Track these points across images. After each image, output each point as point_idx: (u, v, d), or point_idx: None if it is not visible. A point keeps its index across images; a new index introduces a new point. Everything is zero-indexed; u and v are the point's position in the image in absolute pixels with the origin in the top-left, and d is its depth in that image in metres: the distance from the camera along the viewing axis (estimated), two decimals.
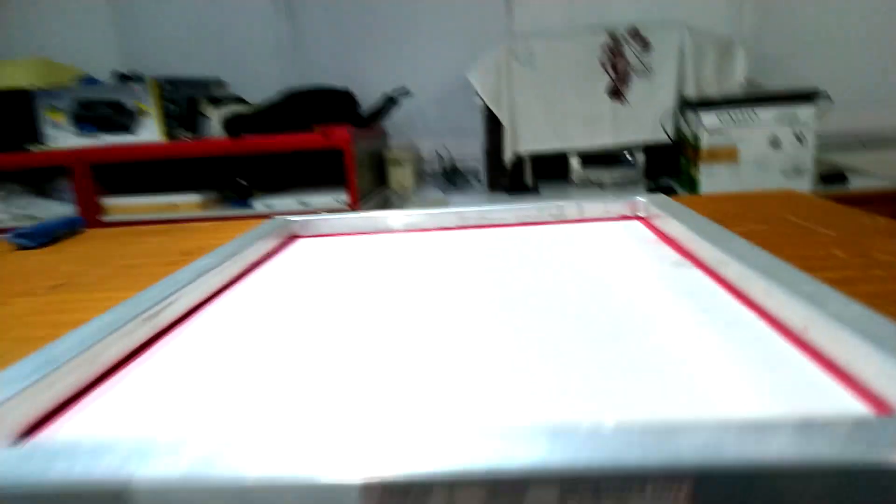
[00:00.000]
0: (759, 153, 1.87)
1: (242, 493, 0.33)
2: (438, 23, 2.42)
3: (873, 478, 0.30)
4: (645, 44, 2.08)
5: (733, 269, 0.61)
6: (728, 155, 1.88)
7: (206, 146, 2.18)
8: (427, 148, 2.51)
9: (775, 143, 1.85)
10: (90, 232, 1.25)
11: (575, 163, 2.25)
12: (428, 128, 2.49)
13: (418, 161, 2.55)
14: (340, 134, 2.08)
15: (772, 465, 0.31)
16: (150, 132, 2.27)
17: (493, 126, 2.24)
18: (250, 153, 2.12)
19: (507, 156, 2.23)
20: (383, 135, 2.52)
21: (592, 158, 2.25)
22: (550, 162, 2.30)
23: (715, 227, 0.74)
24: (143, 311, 0.56)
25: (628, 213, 0.90)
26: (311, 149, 2.10)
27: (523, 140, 2.19)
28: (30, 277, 0.91)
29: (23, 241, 1.09)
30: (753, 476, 0.31)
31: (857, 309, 0.47)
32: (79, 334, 0.52)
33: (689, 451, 0.32)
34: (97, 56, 2.61)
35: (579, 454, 0.32)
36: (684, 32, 2.07)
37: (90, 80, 2.40)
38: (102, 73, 2.50)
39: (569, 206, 0.90)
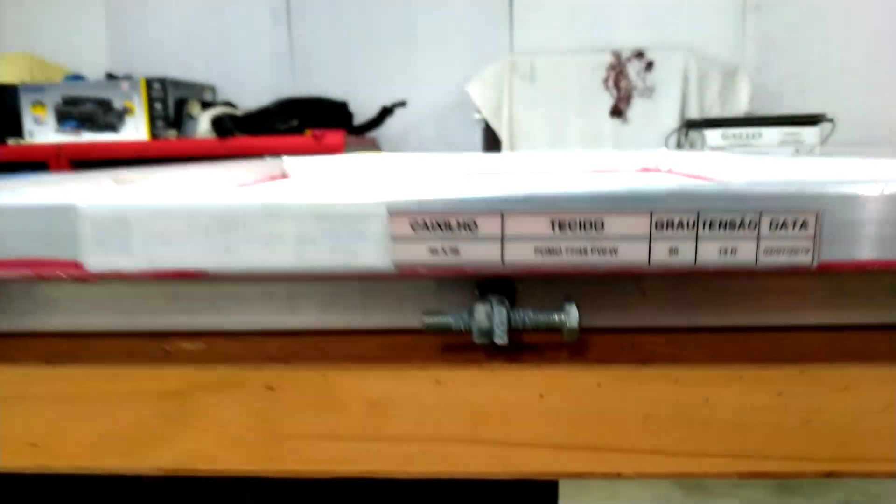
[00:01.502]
0: None
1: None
2: (439, 36, 2.41)
3: None
4: (649, 64, 2.07)
5: None
6: None
7: (191, 146, 2.10)
8: None
9: None
10: None
11: None
12: (423, 143, 2.45)
13: None
14: (333, 138, 2.02)
15: None
16: (135, 131, 2.19)
17: (491, 142, 2.20)
18: (238, 154, 2.05)
19: None
20: (376, 147, 2.47)
21: None
22: None
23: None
24: (116, 175, 0.48)
25: (649, 167, 0.83)
26: (302, 152, 2.04)
27: None
28: None
29: None
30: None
31: None
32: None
33: (814, 185, 0.24)
34: (89, 57, 2.56)
35: (671, 185, 0.24)
36: (689, 57, 2.06)
37: (76, 78, 2.34)
38: (95, 74, 2.44)
39: (583, 156, 0.83)
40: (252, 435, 0.27)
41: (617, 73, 2.08)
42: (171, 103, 2.20)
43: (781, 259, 0.24)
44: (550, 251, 0.24)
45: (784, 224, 0.24)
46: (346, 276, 0.26)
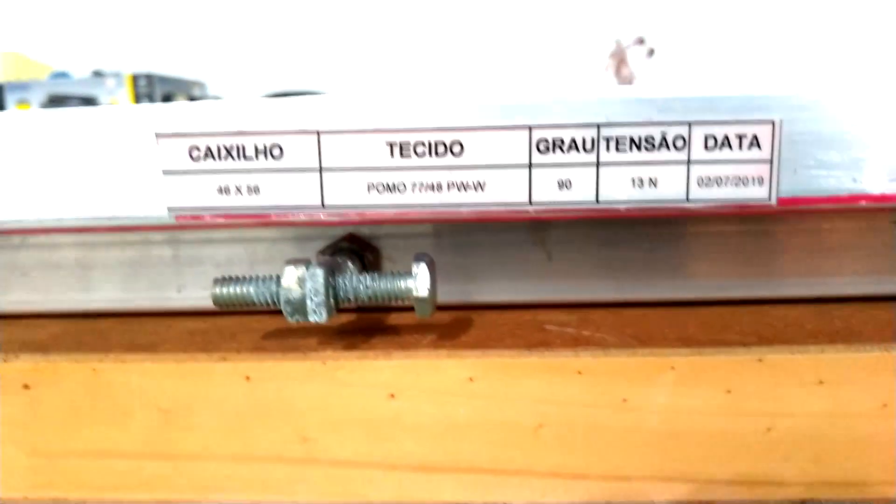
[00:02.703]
0: None
1: None
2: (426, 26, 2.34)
3: None
4: (650, 52, 1.99)
5: None
6: None
7: None
8: None
9: None
10: None
11: None
12: None
13: None
14: None
15: None
16: None
17: None
18: None
19: None
20: None
21: None
22: None
23: None
24: None
25: None
26: None
27: None
28: None
29: None
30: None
31: None
32: None
33: (769, 85, 0.16)
34: (77, 54, 2.51)
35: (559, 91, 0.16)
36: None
37: (62, 75, 2.29)
38: (83, 71, 2.40)
39: None
40: (10, 451, 0.20)
41: (618, 61, 2.00)
42: (159, 99, 2.15)
43: (724, 193, 0.16)
44: (390, 187, 0.17)
45: (726, 141, 0.16)
46: (101, 229, 0.19)
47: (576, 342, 0.18)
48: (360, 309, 0.22)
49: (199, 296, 0.22)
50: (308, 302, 0.17)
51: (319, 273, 0.17)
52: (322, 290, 0.17)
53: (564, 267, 0.21)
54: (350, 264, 0.19)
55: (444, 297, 0.21)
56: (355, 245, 0.20)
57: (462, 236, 0.21)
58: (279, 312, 0.20)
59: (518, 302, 0.21)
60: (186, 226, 0.18)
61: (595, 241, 0.21)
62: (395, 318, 0.21)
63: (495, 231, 0.21)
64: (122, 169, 0.17)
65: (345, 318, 0.21)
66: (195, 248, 0.21)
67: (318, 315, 0.17)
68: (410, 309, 0.21)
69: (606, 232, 0.20)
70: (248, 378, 0.18)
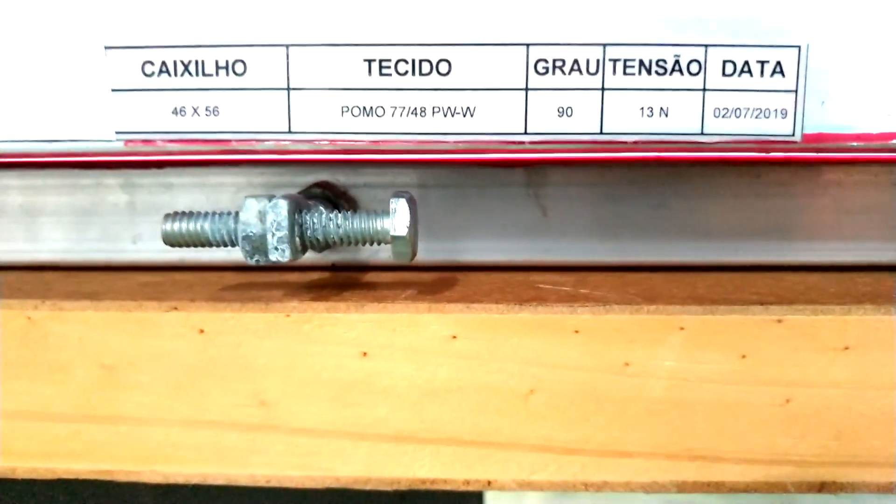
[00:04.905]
0: None
1: None
2: None
3: None
4: None
5: None
6: None
7: None
8: None
9: None
10: None
11: None
12: None
13: None
14: None
15: None
16: None
17: None
18: None
19: None
20: None
21: None
22: None
23: None
24: None
25: None
26: None
27: None
28: None
29: None
30: None
31: None
32: None
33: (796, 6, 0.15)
34: None
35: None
36: None
37: None
38: None
39: None
40: None
41: None
42: None
43: (742, 125, 0.15)
44: (367, 111, 0.15)
45: (746, 67, 0.14)
46: (43, 159, 0.16)
47: (573, 299, 0.16)
48: (335, 267, 0.20)
49: (156, 247, 0.19)
50: (269, 237, 0.15)
51: (283, 205, 0.15)
52: (286, 224, 0.15)
53: (561, 224, 0.19)
54: (322, 208, 0.17)
55: (427, 255, 0.19)
56: (329, 192, 0.18)
57: (449, 188, 0.19)
58: (245, 269, 0.18)
59: (508, 263, 0.19)
60: (135, 152, 0.16)
61: (595, 195, 0.19)
62: (372, 276, 0.19)
63: (485, 182, 0.19)
64: (66, 86, 0.15)
65: (316, 276, 0.19)
66: (153, 194, 0.19)
67: (280, 253, 0.15)
68: (390, 268, 0.19)
69: (608, 185, 0.19)
70: (201, 331, 0.16)
